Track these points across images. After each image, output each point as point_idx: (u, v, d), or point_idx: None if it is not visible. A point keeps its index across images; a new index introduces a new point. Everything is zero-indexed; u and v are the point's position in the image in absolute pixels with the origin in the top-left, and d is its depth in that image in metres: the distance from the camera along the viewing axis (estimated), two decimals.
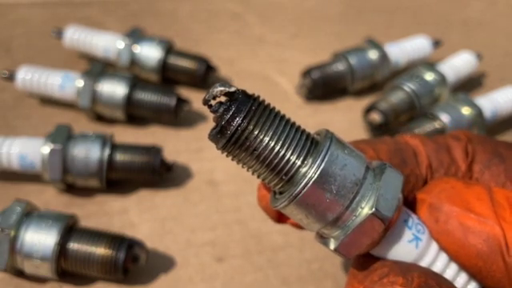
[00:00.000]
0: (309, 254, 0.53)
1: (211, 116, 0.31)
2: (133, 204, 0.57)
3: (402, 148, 0.38)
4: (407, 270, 0.32)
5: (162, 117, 0.65)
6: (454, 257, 0.34)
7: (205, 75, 0.70)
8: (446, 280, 0.33)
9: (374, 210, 0.31)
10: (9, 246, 0.46)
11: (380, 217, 0.31)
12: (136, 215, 0.56)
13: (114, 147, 0.56)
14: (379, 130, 0.66)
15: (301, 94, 0.73)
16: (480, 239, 0.33)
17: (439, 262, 0.34)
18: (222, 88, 0.31)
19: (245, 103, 0.31)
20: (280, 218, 0.41)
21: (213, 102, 0.31)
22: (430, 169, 0.38)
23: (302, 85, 0.72)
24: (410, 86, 0.67)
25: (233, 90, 0.31)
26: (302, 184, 0.31)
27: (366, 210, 0.31)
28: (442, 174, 0.38)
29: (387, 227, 0.32)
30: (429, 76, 0.69)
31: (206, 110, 0.74)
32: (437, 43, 0.77)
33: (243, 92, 0.31)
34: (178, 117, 0.64)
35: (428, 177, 0.38)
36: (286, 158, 0.31)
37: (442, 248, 0.34)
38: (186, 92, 0.70)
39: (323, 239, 0.34)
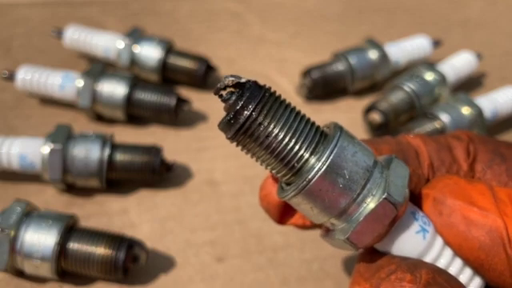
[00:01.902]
0: (309, 254, 0.53)
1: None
2: (133, 204, 0.57)
3: (404, 148, 0.38)
4: (415, 266, 0.32)
5: (161, 117, 0.65)
6: (457, 250, 0.34)
7: (205, 75, 0.70)
8: (453, 277, 0.33)
9: (386, 194, 0.31)
10: (9, 246, 0.46)
11: (392, 201, 0.31)
12: (136, 215, 0.56)
13: (114, 147, 0.56)
14: (379, 129, 0.66)
15: (301, 94, 0.73)
16: (483, 231, 0.33)
17: (443, 259, 0.34)
18: (234, 78, 0.31)
19: (256, 93, 0.31)
20: (281, 218, 0.41)
21: (223, 92, 0.31)
22: (431, 168, 0.38)
23: (302, 85, 0.72)
24: (410, 86, 0.67)
25: (244, 80, 0.31)
26: (314, 171, 0.31)
27: (377, 196, 0.31)
28: (443, 173, 0.38)
29: (396, 216, 0.32)
30: (429, 76, 0.69)
31: (206, 110, 0.74)
32: (437, 43, 0.77)
33: (255, 82, 0.31)
34: (177, 117, 0.64)
35: (430, 176, 0.38)
36: (297, 146, 0.31)
37: (446, 241, 0.35)
38: (186, 92, 0.70)
39: (330, 233, 0.34)
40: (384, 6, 0.97)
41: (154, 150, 0.57)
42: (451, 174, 0.37)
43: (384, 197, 0.31)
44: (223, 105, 0.32)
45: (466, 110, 0.63)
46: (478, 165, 0.39)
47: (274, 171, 0.33)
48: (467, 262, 0.34)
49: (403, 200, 0.32)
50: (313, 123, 0.33)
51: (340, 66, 0.72)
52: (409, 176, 0.33)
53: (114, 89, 0.63)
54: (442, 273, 0.32)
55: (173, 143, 0.64)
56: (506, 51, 0.87)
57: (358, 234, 0.32)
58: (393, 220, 0.32)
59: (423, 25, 0.91)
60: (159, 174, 0.56)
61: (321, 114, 0.71)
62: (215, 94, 0.31)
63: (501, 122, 0.69)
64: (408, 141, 0.39)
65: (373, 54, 0.72)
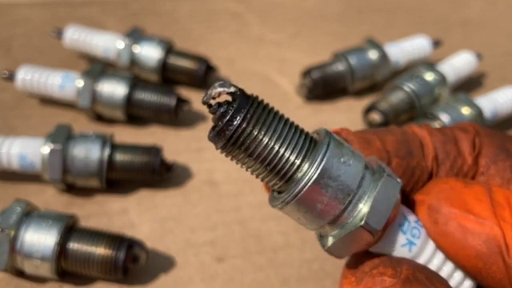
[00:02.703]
0: (309, 254, 0.53)
1: (211, 116, 0.31)
2: (133, 204, 0.57)
3: (409, 139, 0.38)
4: (397, 263, 0.32)
5: (161, 117, 0.65)
6: (453, 258, 0.34)
7: (205, 75, 0.70)
8: (435, 274, 0.33)
9: (363, 222, 0.31)
10: (9, 246, 0.46)
11: (369, 229, 0.31)
12: (136, 215, 0.56)
13: (114, 147, 0.56)
14: None
15: (301, 94, 0.73)
16: (479, 240, 0.33)
17: (435, 260, 0.34)
18: (221, 89, 0.31)
19: (243, 104, 0.31)
20: None
21: (212, 102, 0.31)
22: (436, 161, 0.38)
23: (302, 85, 0.72)
24: (409, 86, 0.67)
25: (232, 90, 0.31)
26: (302, 183, 0.31)
27: (357, 219, 0.31)
28: (447, 166, 0.38)
29: (380, 233, 0.32)
30: (429, 76, 0.69)
31: (206, 109, 0.74)
32: (437, 43, 0.77)
33: (242, 92, 0.31)
34: (177, 117, 0.64)
35: (434, 169, 0.38)
36: (285, 159, 0.31)
37: (442, 249, 0.34)
38: (186, 92, 0.70)
39: (321, 237, 0.34)
40: (384, 6, 0.97)
41: (154, 150, 0.57)
42: (448, 178, 0.37)
43: (361, 224, 0.31)
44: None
45: (465, 110, 0.63)
46: (482, 159, 0.38)
47: (264, 180, 0.33)
48: (464, 269, 0.34)
49: (382, 227, 0.32)
50: (301, 131, 0.32)
51: (340, 66, 0.72)
52: (399, 192, 0.33)
53: (114, 89, 0.63)
54: (424, 270, 0.32)
55: (173, 143, 0.64)
56: (506, 51, 0.87)
57: (336, 249, 0.33)
58: (374, 239, 0.32)
59: (423, 25, 0.91)
60: (159, 174, 0.56)
61: (321, 114, 0.71)
62: (203, 104, 0.31)
63: (501, 122, 0.69)
64: (414, 131, 0.39)
65: (373, 54, 0.72)
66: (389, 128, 0.39)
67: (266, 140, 0.31)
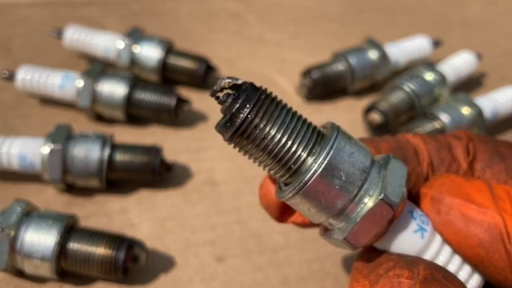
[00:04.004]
0: (309, 254, 0.53)
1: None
2: (133, 204, 0.57)
3: (403, 146, 0.39)
4: (413, 263, 0.32)
5: (161, 117, 0.65)
6: (456, 248, 0.34)
7: (205, 75, 0.70)
8: (450, 273, 0.33)
9: (382, 195, 0.31)
10: (9, 246, 0.46)
11: (389, 202, 0.31)
12: (136, 215, 0.56)
13: (114, 147, 0.56)
14: (379, 129, 0.66)
15: (301, 94, 0.73)
16: (481, 228, 0.33)
17: (442, 256, 0.34)
18: (230, 80, 0.31)
19: (253, 94, 0.31)
20: (281, 216, 0.41)
21: (220, 94, 0.31)
22: (431, 167, 0.38)
23: (302, 85, 0.72)
24: (409, 86, 0.67)
25: (240, 82, 0.31)
26: (311, 172, 0.31)
27: (374, 197, 0.32)
28: (443, 171, 0.39)
29: (393, 217, 0.32)
30: (429, 76, 0.69)
31: (206, 110, 0.74)
32: (437, 43, 0.77)
33: (251, 84, 0.32)
34: (177, 117, 0.64)
35: (429, 175, 0.38)
36: (294, 148, 0.31)
37: (445, 239, 0.35)
38: (186, 92, 0.70)
39: (328, 232, 0.34)
40: (384, 6, 0.97)
41: (154, 150, 0.57)
42: (449, 173, 0.38)
43: (381, 198, 0.31)
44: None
45: (465, 110, 0.63)
46: (477, 164, 0.39)
47: (271, 172, 0.33)
48: (467, 259, 0.35)
49: (400, 200, 0.32)
50: (309, 124, 0.33)
51: (340, 66, 0.72)
52: (407, 175, 0.34)
53: (114, 89, 0.63)
54: (440, 269, 0.33)
55: (173, 143, 0.64)
56: (506, 51, 0.87)
57: (355, 234, 0.32)
58: (390, 220, 0.32)
59: (423, 25, 0.91)
60: (159, 174, 0.56)
61: (321, 114, 0.71)
62: (211, 95, 0.32)
63: (501, 122, 0.69)
64: (407, 139, 0.40)
65: (373, 54, 0.72)
66: (382, 137, 0.40)
67: (273, 131, 0.31)
